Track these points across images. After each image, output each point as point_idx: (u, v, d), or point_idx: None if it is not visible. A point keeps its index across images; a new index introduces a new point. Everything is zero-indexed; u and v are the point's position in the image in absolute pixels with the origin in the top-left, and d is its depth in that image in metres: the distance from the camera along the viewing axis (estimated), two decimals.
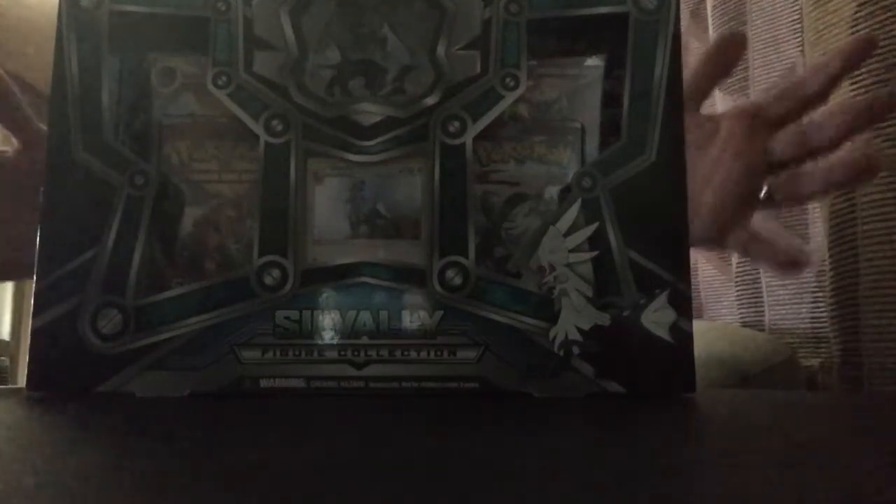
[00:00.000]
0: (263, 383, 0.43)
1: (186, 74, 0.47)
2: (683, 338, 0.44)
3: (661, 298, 0.44)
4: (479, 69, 0.45)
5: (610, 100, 0.47)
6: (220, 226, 0.46)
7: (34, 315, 0.43)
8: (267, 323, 0.43)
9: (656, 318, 0.44)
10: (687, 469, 0.24)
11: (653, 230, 0.44)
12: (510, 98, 0.45)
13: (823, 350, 0.89)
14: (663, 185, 0.45)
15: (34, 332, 0.43)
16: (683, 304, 0.44)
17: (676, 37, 0.46)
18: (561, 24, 0.46)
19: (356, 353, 0.43)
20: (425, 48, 0.46)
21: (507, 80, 0.45)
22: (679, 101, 0.45)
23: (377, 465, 0.24)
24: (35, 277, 0.44)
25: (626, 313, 0.44)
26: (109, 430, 0.33)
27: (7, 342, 4.04)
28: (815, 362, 0.90)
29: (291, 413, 0.38)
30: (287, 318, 0.43)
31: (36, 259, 0.44)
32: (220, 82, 0.45)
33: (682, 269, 0.44)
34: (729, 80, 1.00)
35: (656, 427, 0.35)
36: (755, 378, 0.83)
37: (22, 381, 0.44)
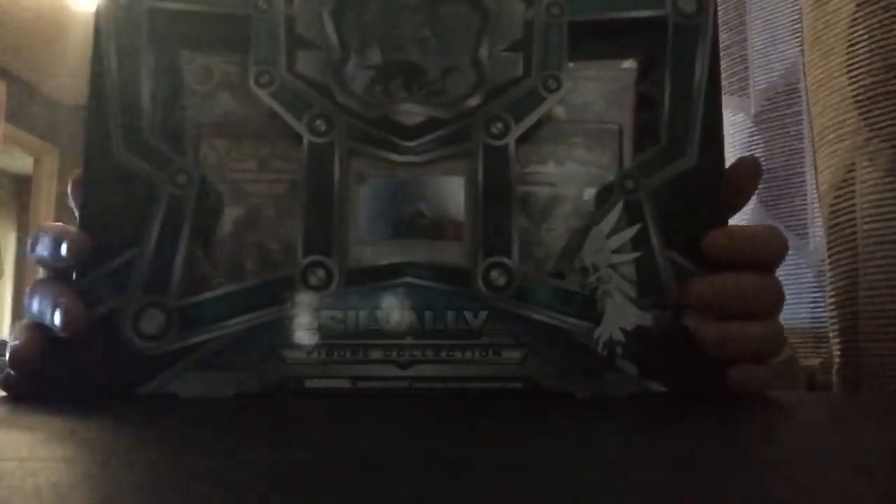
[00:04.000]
0: (308, 384, 0.43)
1: (223, 73, 0.46)
2: None
3: None
4: (521, 71, 0.46)
5: (646, 102, 0.47)
6: (260, 226, 0.45)
7: None
8: (312, 323, 0.43)
9: (698, 318, 0.44)
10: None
11: (693, 232, 0.45)
12: (552, 100, 0.45)
13: (823, 350, 0.89)
14: (703, 187, 0.45)
15: None
16: None
17: (715, 40, 0.46)
18: (601, 26, 0.47)
19: (401, 354, 0.43)
20: (467, 50, 0.46)
21: (549, 81, 0.45)
22: (718, 105, 0.46)
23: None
24: (75, 277, 0.43)
25: (668, 314, 0.44)
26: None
27: (7, 342, 4.01)
28: (815, 362, 0.91)
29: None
30: (332, 318, 0.43)
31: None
32: (262, 81, 0.45)
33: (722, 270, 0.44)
34: (729, 81, 1.01)
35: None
36: None
37: None
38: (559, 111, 0.47)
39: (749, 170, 0.50)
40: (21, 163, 5.94)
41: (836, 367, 0.79)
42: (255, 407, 0.40)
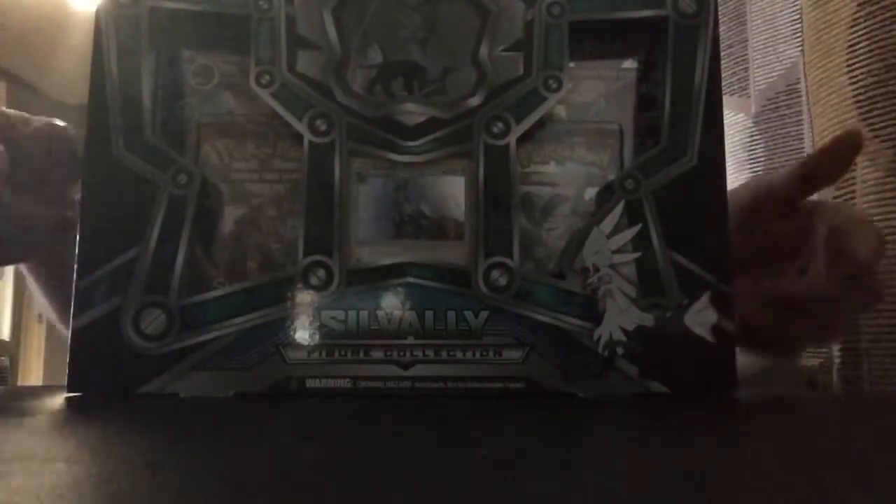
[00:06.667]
0: (309, 383, 0.43)
1: (224, 73, 0.46)
2: (725, 338, 0.44)
3: (704, 299, 0.44)
4: (521, 71, 0.46)
5: (646, 102, 0.47)
6: (261, 225, 0.45)
7: (74, 315, 0.43)
8: (313, 323, 0.43)
9: (699, 318, 0.44)
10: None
11: (694, 232, 0.45)
12: (553, 99, 0.45)
13: (823, 350, 0.89)
14: (704, 187, 0.45)
15: (74, 333, 0.43)
16: (725, 305, 0.44)
17: (715, 40, 0.46)
18: (601, 26, 0.47)
19: (402, 354, 0.43)
20: (468, 49, 0.46)
21: (550, 81, 0.45)
22: (719, 105, 0.46)
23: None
24: (75, 277, 0.43)
25: (668, 314, 0.44)
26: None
27: (7, 342, 4.01)
28: (815, 362, 0.90)
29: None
30: (333, 317, 0.43)
31: (76, 258, 0.43)
32: (263, 81, 0.45)
33: (724, 271, 0.44)
34: (729, 81, 1.01)
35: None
36: (755, 378, 0.83)
37: (21, 380, 0.44)
38: (560, 111, 0.47)
39: (851, 142, 0.54)
40: None
41: (836, 367, 0.79)
42: (256, 407, 0.40)
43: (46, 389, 0.50)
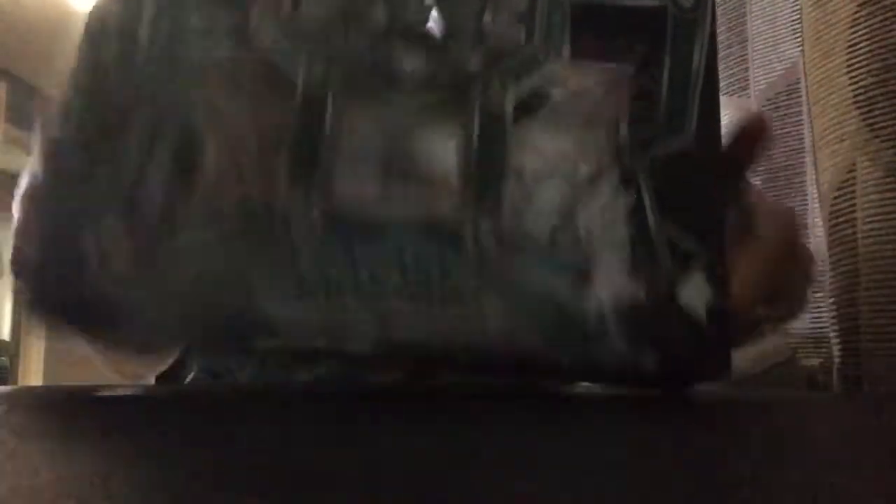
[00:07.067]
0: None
1: (222, 18, 0.46)
2: (719, 317, 0.44)
3: (698, 276, 0.44)
4: (523, 40, 0.45)
5: (644, 89, 0.47)
6: (246, 175, 0.45)
7: None
8: (293, 276, 0.43)
9: (692, 296, 0.44)
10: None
11: (690, 209, 0.44)
12: (551, 71, 0.45)
13: (823, 350, 0.89)
14: (701, 164, 0.45)
15: None
16: (719, 284, 0.44)
17: (713, 32, 0.46)
18: (601, 11, 0.46)
19: (386, 313, 0.43)
20: (471, 16, 0.46)
21: (550, 54, 0.45)
22: (716, 82, 0.46)
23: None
24: None
25: (661, 290, 0.44)
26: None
27: (7, 342, 4.02)
28: (815, 362, 0.91)
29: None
30: (313, 271, 0.43)
31: None
32: (262, 28, 0.45)
33: (719, 249, 0.44)
34: (728, 81, 1.01)
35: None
36: (755, 378, 0.83)
37: (21, 380, 0.44)
38: (557, 91, 0.46)
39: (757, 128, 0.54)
40: (21, 163, 5.96)
41: (836, 367, 0.79)
42: (252, 405, 0.41)
43: (46, 389, 0.50)
